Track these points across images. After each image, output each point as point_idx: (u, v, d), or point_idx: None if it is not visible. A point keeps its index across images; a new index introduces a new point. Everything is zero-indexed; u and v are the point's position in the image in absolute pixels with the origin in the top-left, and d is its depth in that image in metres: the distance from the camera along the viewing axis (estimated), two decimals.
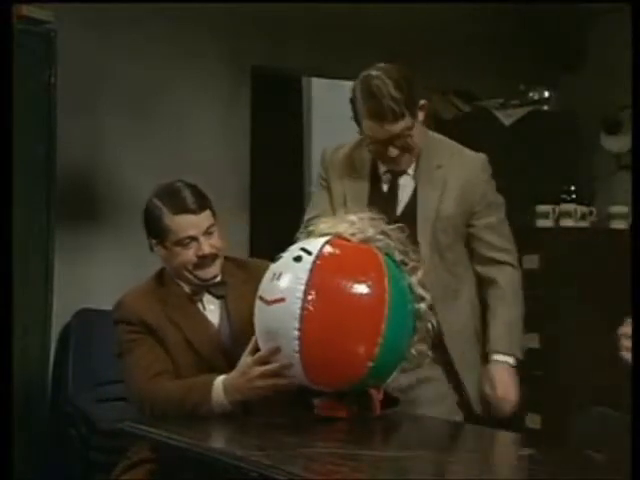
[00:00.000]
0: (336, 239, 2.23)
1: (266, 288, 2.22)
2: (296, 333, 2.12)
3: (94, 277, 3.81)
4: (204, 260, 2.39)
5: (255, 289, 2.33)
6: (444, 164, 2.53)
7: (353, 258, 2.21)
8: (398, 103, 2.41)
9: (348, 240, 2.23)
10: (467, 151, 2.60)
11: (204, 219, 2.40)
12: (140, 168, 3.91)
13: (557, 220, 3.90)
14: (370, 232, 2.24)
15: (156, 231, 2.41)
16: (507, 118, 4.12)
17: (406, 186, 2.53)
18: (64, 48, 3.57)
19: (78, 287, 3.77)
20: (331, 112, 4.85)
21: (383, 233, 2.25)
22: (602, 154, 4.09)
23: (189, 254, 2.39)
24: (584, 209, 3.89)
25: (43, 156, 3.51)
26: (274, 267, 2.23)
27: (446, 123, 4.37)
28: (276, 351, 2.17)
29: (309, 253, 2.18)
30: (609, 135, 3.95)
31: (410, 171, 2.54)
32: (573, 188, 3.91)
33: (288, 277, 2.16)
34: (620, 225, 3.91)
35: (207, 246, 2.39)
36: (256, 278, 2.42)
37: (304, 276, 2.14)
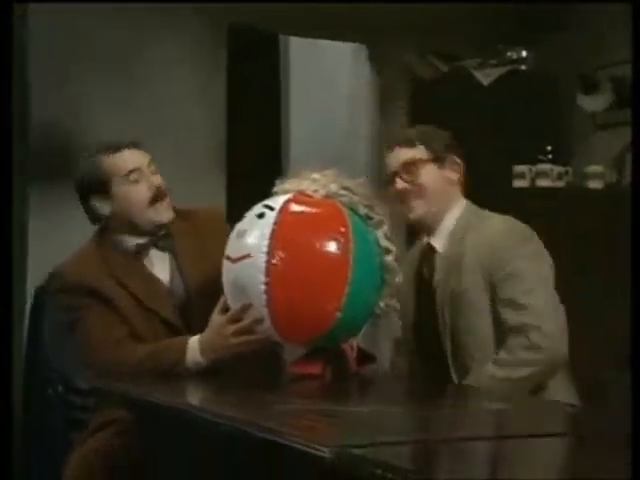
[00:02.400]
0: (298, 195, 2.24)
1: (231, 247, 2.22)
2: (263, 287, 2.13)
3: (68, 240, 3.78)
4: (157, 196, 2.33)
5: (200, 239, 2.32)
6: (463, 242, 2.39)
7: (315, 211, 2.23)
8: (417, 134, 2.45)
9: (310, 196, 2.25)
10: (492, 221, 2.42)
11: (143, 155, 2.37)
12: (116, 129, 3.86)
13: (533, 180, 3.91)
14: (333, 188, 2.25)
15: (98, 184, 2.33)
16: (485, 78, 4.11)
17: (438, 266, 2.44)
18: (39, 11, 3.51)
19: (52, 251, 3.74)
20: (309, 72, 4.82)
21: (346, 188, 2.26)
22: (579, 114, 4.09)
23: (142, 189, 2.33)
24: (560, 169, 3.89)
25: (16, 118, 3.46)
26: (238, 226, 2.24)
27: (425, 83, 4.36)
28: (247, 307, 2.18)
29: (271, 209, 2.20)
30: (586, 95, 3.95)
31: (443, 249, 2.43)
32: (550, 148, 3.91)
33: (252, 234, 2.17)
34: (596, 185, 3.93)
35: (156, 179, 2.34)
36: (200, 227, 2.41)
37: (268, 231, 2.15)
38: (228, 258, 2.23)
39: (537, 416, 1.89)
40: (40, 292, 3.58)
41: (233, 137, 4.30)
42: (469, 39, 4.27)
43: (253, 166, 4.48)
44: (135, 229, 2.37)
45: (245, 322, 2.19)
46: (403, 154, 2.44)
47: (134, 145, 2.37)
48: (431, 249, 2.46)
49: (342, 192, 2.26)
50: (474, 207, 2.49)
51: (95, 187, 2.35)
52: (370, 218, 2.26)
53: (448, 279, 2.38)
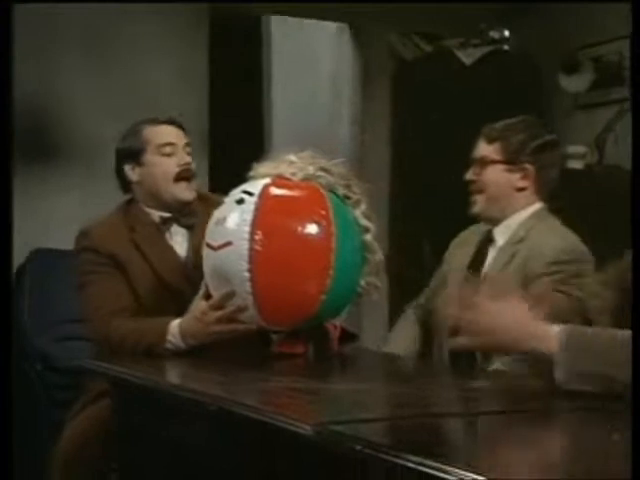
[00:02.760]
0: (277, 179, 2.23)
1: (211, 234, 2.21)
2: (246, 274, 2.12)
3: (48, 217, 3.77)
4: (184, 174, 2.40)
5: None
6: (522, 242, 2.37)
7: (296, 195, 2.22)
8: (502, 129, 2.40)
9: (289, 179, 2.24)
10: (549, 234, 2.37)
11: (182, 135, 2.45)
12: (95, 105, 3.86)
13: None
14: (310, 170, 2.24)
15: (132, 150, 2.42)
16: (467, 57, 4.11)
17: (492, 257, 2.43)
18: None
19: (32, 227, 3.73)
20: (291, 52, 4.80)
21: (323, 170, 2.26)
22: (560, 94, 4.10)
23: (171, 163, 2.40)
24: None
25: None
26: (217, 213, 2.23)
27: (407, 63, 4.36)
28: (230, 295, 2.17)
29: (251, 194, 2.19)
30: (567, 75, 3.96)
31: (501, 242, 2.42)
32: None
33: (232, 220, 2.16)
34: (576, 165, 3.95)
35: (187, 157, 2.42)
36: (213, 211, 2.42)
37: (248, 217, 2.14)
38: (209, 245, 2.21)
39: (519, 393, 1.90)
40: (20, 271, 3.58)
41: (215, 118, 4.29)
42: (452, 19, 4.27)
43: (236, 147, 4.47)
44: (159, 202, 2.43)
45: (228, 310, 2.18)
46: (481, 148, 2.44)
47: (176, 124, 2.46)
48: (490, 239, 2.45)
49: (320, 173, 2.25)
50: (544, 214, 2.44)
51: (129, 153, 2.43)
52: (348, 198, 2.27)
53: (495, 273, 2.37)
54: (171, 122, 2.46)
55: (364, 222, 2.25)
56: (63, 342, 3.29)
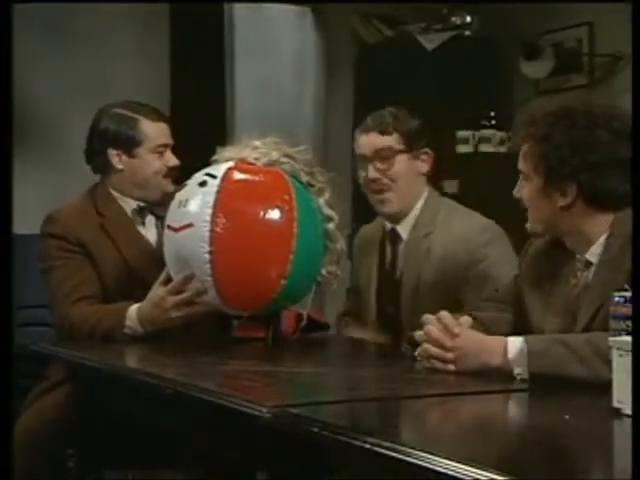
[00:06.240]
0: (240, 163, 2.23)
1: (173, 216, 2.21)
2: (207, 256, 2.12)
3: None
4: (171, 172, 2.41)
5: None
6: (432, 231, 2.36)
7: (258, 179, 2.22)
8: (393, 119, 2.35)
9: (252, 164, 2.23)
10: (460, 218, 2.37)
11: (169, 133, 2.45)
12: (55, 88, 3.81)
13: (477, 145, 3.94)
14: (274, 155, 2.24)
15: (127, 140, 2.38)
16: (430, 43, 4.11)
17: (402, 253, 2.41)
18: None
19: None
20: (254, 35, 4.76)
21: (287, 156, 2.25)
22: (521, 79, 4.12)
23: (161, 162, 2.41)
24: (502, 135, 3.93)
25: None
26: (179, 195, 2.22)
27: (369, 48, 4.35)
28: (189, 279, 2.16)
29: (214, 177, 2.18)
30: (528, 61, 3.98)
31: (406, 238, 2.41)
32: (493, 114, 3.95)
33: (195, 202, 2.16)
34: None
35: (176, 159, 2.43)
36: None
37: (211, 199, 2.14)
38: (170, 227, 2.20)
39: (477, 375, 1.92)
40: None
41: (177, 103, 4.25)
42: (414, 4, 4.27)
43: (197, 132, 4.44)
44: (141, 194, 2.42)
45: (186, 294, 2.17)
46: (378, 141, 2.36)
47: (168, 122, 2.47)
48: (396, 235, 2.42)
49: (284, 160, 2.25)
50: (436, 194, 2.45)
51: (122, 142, 2.40)
52: (312, 185, 2.26)
53: (413, 267, 2.36)
54: (166, 120, 2.47)
55: (327, 211, 2.25)
56: (22, 328, 3.25)
